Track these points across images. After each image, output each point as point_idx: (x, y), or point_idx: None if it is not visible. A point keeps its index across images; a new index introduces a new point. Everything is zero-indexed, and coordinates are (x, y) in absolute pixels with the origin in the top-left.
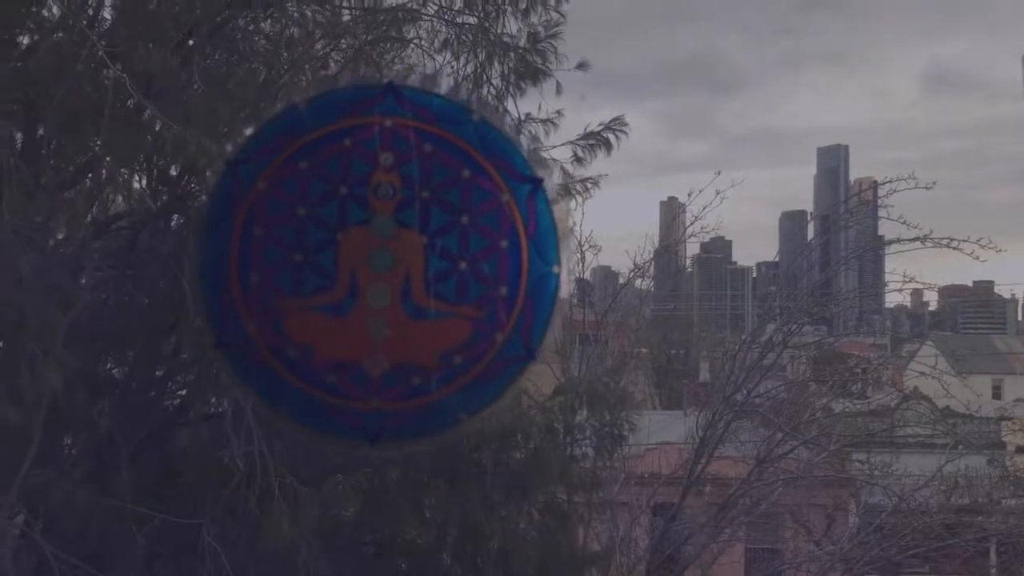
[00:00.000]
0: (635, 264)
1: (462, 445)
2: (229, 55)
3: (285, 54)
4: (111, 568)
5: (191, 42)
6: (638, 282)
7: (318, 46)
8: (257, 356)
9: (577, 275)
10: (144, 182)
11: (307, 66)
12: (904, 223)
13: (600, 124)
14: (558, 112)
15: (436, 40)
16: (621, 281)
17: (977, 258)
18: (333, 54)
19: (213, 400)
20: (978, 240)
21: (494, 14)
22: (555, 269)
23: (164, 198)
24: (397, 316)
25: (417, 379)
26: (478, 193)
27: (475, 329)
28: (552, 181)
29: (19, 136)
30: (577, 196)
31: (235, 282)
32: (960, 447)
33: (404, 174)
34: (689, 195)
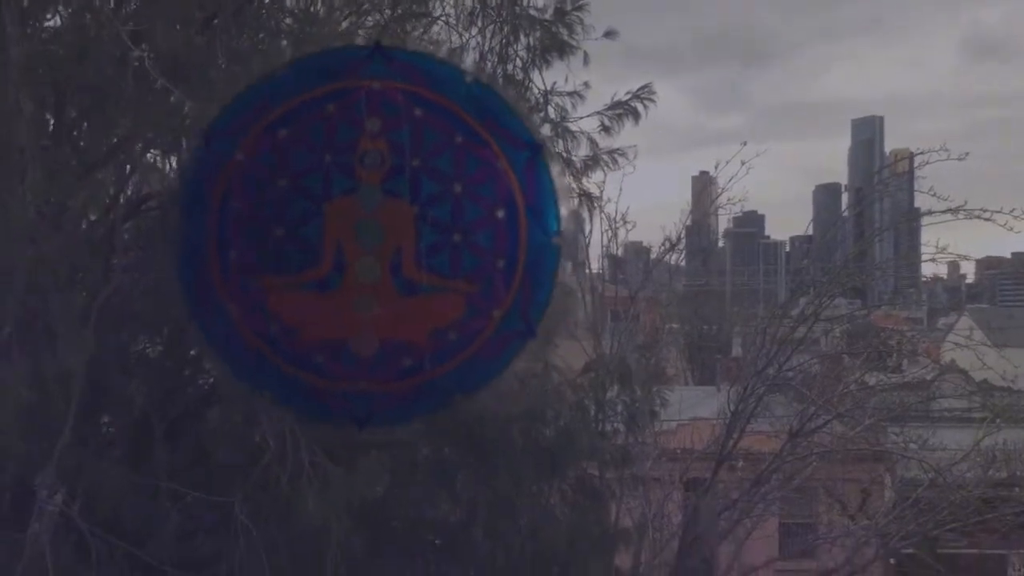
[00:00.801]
0: (667, 239)
1: (492, 422)
2: (255, 33)
3: (311, 30)
4: (145, 545)
5: (216, 21)
6: (669, 257)
7: (344, 23)
8: (239, 337)
9: (610, 251)
10: (174, 163)
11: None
12: (935, 195)
13: (628, 93)
14: (585, 84)
15: (463, 14)
16: (653, 256)
17: (1011, 229)
18: (360, 31)
19: None
20: (1011, 211)
21: None
22: (556, 240)
23: None
24: (387, 292)
25: (409, 358)
26: (472, 160)
27: (470, 304)
28: (551, 149)
29: (50, 119)
30: (605, 168)
31: (214, 260)
32: (998, 420)
33: (392, 141)
34: (716, 166)
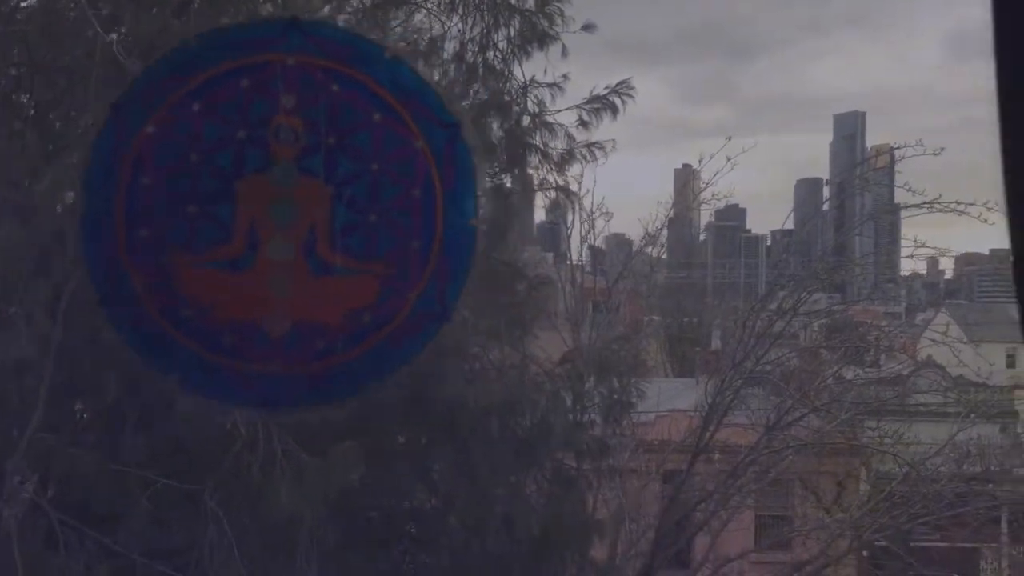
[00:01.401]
0: (646, 232)
1: (469, 412)
2: (233, 17)
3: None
4: (115, 533)
5: (193, 5)
6: (650, 250)
7: (326, 9)
8: (146, 316)
9: (589, 242)
10: None
11: None
12: (910, 190)
13: (606, 88)
14: (564, 76)
15: (444, 1)
16: (635, 248)
17: (985, 221)
18: (340, 16)
19: None
20: (985, 203)
21: None
22: (472, 222)
23: None
24: (300, 272)
25: (322, 340)
26: (390, 139)
27: (385, 286)
28: (470, 130)
29: (25, 101)
30: (583, 161)
31: (121, 236)
32: (972, 416)
33: (308, 118)
34: (700, 161)
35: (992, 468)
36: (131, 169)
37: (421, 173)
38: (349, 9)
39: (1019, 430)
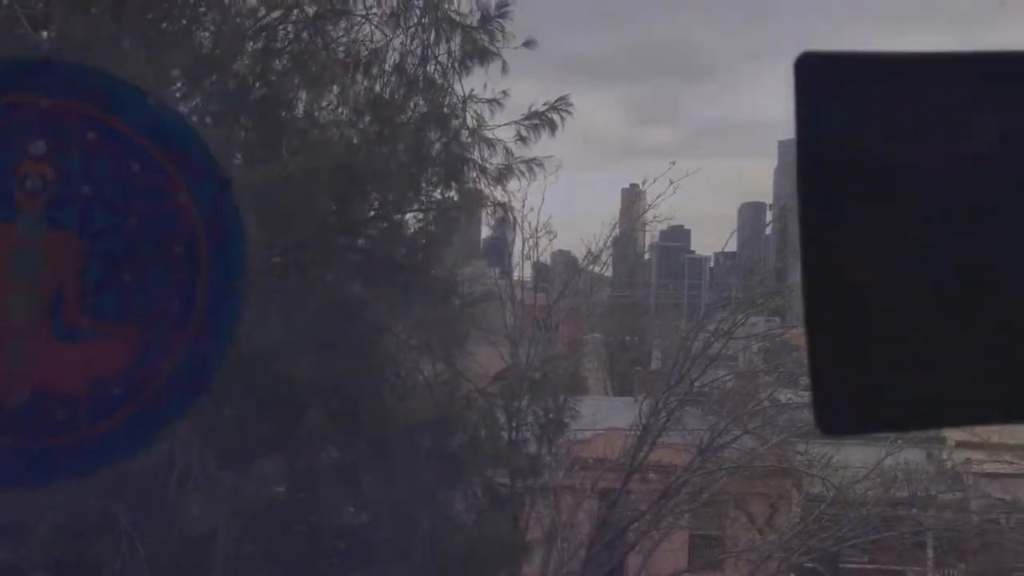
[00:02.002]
0: (588, 251)
1: (397, 427)
2: (174, 22)
3: (239, 22)
4: (23, 548)
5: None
6: (593, 268)
7: (270, 16)
8: None
9: (531, 260)
10: None
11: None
12: None
13: (545, 104)
14: (504, 92)
15: (385, 13)
16: (578, 267)
17: None
18: (282, 26)
19: None
20: None
21: None
22: (239, 285)
23: None
24: (42, 334)
25: (63, 412)
26: (151, 191)
27: (139, 352)
28: (235, 183)
29: None
30: (520, 177)
31: None
32: (899, 441)
33: (60, 166)
34: (643, 183)
35: (918, 493)
36: None
37: (184, 229)
38: (291, 20)
39: (944, 456)
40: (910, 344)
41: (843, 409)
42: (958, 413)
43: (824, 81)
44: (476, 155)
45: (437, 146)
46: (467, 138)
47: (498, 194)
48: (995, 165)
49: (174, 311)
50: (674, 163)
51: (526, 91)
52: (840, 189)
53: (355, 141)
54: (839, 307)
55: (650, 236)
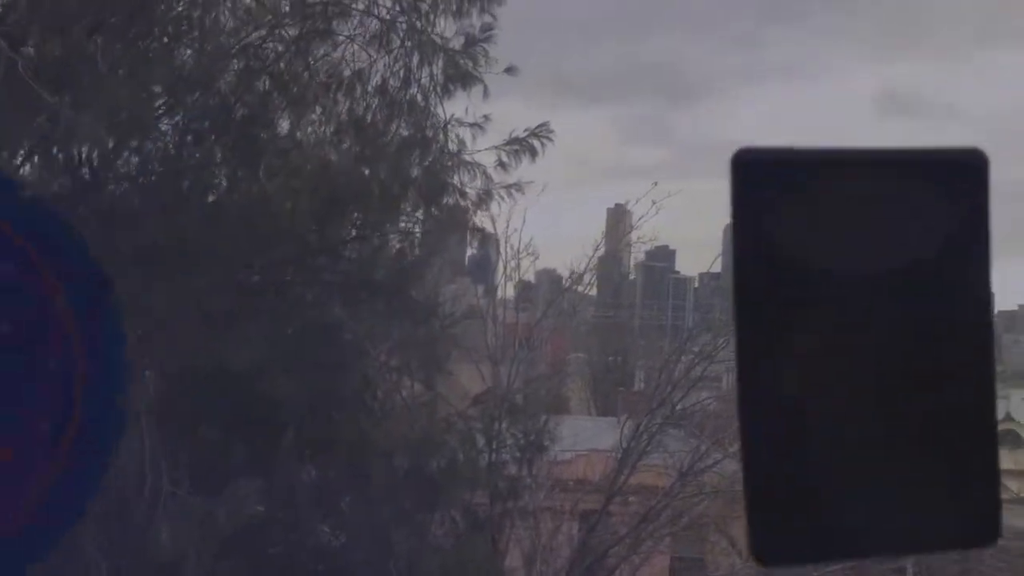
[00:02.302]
0: (572, 271)
1: (375, 450)
2: (155, 41)
3: (223, 40)
4: None
5: (102, 28)
6: (577, 288)
7: (253, 35)
8: None
9: (514, 280)
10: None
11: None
12: None
13: (526, 130)
14: (485, 117)
15: (368, 36)
16: (562, 286)
17: None
18: (269, 44)
19: None
20: None
21: (427, 11)
22: (123, 401)
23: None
24: None
25: None
26: (22, 297)
27: (4, 477)
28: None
29: None
30: (500, 201)
31: None
32: None
33: None
34: (626, 203)
35: None
36: None
37: (58, 339)
38: (274, 39)
39: None
40: (843, 474)
41: (780, 540)
42: (887, 543)
43: (757, 180)
44: (456, 179)
45: (417, 169)
46: (448, 162)
47: (478, 219)
48: (929, 271)
49: (44, 430)
50: (656, 184)
51: (514, 109)
52: (775, 295)
53: (336, 161)
54: (774, 442)
55: (635, 256)
